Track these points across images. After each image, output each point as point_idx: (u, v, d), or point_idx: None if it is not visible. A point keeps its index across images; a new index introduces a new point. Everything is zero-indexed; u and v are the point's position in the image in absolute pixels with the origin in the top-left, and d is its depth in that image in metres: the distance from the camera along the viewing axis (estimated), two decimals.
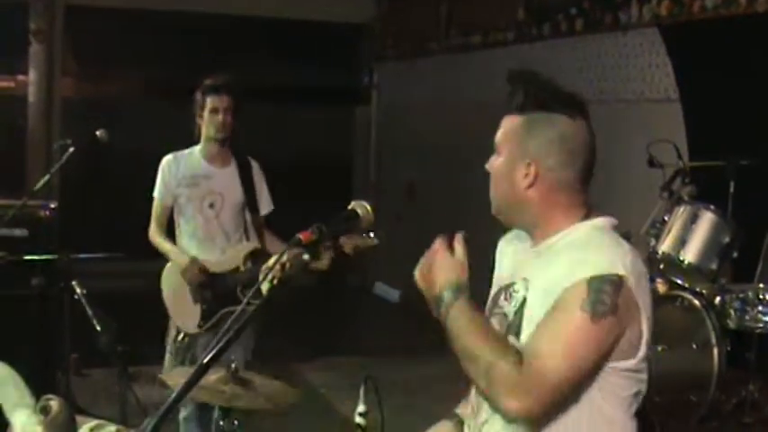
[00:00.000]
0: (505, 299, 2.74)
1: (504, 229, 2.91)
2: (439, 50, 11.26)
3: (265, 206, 5.67)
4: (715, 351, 5.33)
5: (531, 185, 2.63)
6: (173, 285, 5.61)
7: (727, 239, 5.65)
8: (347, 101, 12.96)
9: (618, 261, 2.51)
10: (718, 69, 6.80)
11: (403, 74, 12.34)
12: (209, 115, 5.50)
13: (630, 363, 2.58)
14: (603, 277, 2.47)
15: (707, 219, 5.66)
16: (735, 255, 5.73)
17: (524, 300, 2.64)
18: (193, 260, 5.47)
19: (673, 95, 7.36)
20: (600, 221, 2.67)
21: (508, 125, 2.72)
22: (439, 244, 2.76)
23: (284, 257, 2.55)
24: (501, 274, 2.88)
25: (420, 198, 11.36)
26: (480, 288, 2.87)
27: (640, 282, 2.55)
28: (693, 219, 5.69)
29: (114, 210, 10.77)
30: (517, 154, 2.66)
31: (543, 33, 9.19)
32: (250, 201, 5.61)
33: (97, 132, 5.69)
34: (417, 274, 2.76)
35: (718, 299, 5.59)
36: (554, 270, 2.56)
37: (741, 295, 5.54)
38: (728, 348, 5.38)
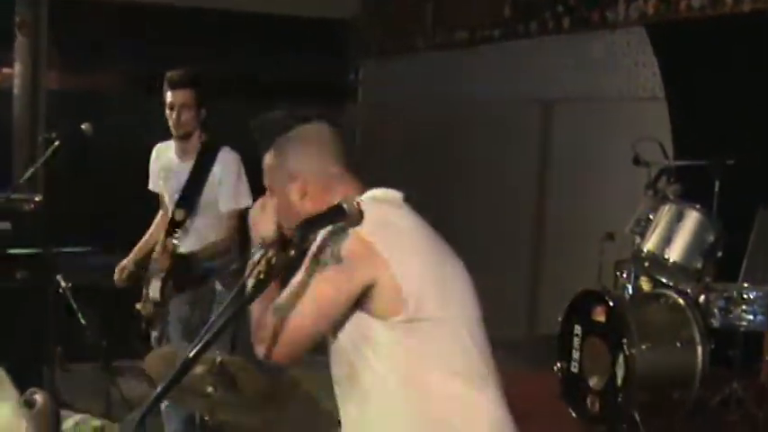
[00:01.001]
0: None
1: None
2: (425, 47, 11.24)
3: (226, 204, 5.44)
4: (699, 349, 5.35)
5: (304, 196, 2.84)
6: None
7: (711, 238, 5.66)
8: (333, 98, 12.94)
9: (365, 224, 2.66)
10: (705, 68, 6.82)
11: (389, 71, 12.32)
12: (168, 111, 5.42)
13: (399, 317, 2.67)
14: (332, 233, 2.66)
15: (692, 217, 5.68)
16: (719, 254, 5.74)
17: None
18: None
19: (659, 94, 7.38)
20: (371, 193, 2.89)
21: (264, 167, 2.95)
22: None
23: (269, 253, 2.55)
24: None
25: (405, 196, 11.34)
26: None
27: (385, 235, 2.70)
28: (678, 217, 5.70)
29: (99, 204, 10.74)
30: (284, 181, 2.87)
31: (530, 31, 9.18)
32: (185, 195, 5.44)
33: (82, 126, 5.67)
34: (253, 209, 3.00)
35: (702, 297, 5.60)
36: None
37: (725, 294, 5.56)
38: (712, 346, 5.39)
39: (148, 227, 5.80)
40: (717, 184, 5.82)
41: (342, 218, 2.60)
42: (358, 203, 2.64)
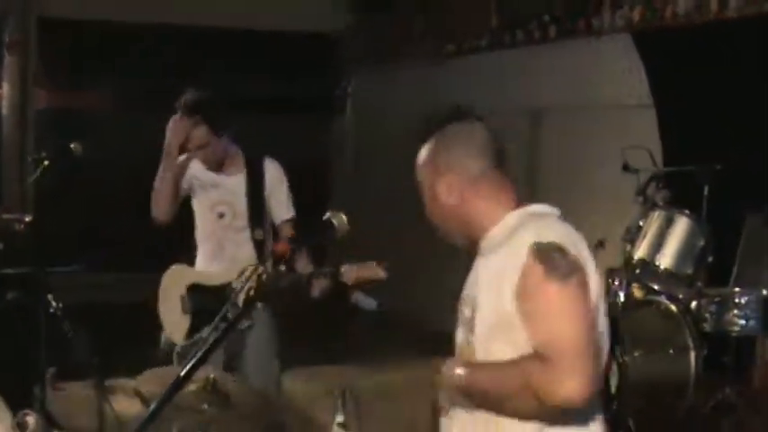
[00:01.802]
0: (464, 305, 2.87)
1: None
2: (414, 59, 11.26)
3: (282, 213, 5.32)
4: (692, 355, 5.35)
5: (451, 194, 2.84)
6: (166, 291, 5.44)
7: (702, 244, 5.67)
8: (322, 110, 12.95)
9: (549, 233, 2.63)
10: (691, 75, 6.83)
11: (378, 83, 12.34)
12: (194, 151, 5.24)
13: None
14: (543, 245, 2.58)
15: (682, 223, 5.69)
16: (710, 259, 5.75)
17: (476, 299, 2.77)
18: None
19: (646, 101, 7.38)
20: (529, 209, 2.80)
21: (417, 163, 3.02)
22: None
23: (260, 269, 2.55)
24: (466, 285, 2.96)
25: (395, 209, 11.35)
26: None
27: (578, 247, 2.65)
28: (668, 223, 5.71)
29: (90, 222, 10.73)
30: (434, 177, 2.90)
31: (517, 40, 9.22)
32: (255, 213, 5.30)
33: (71, 145, 5.65)
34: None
35: (694, 303, 5.61)
36: (496, 263, 2.70)
37: (717, 299, 5.56)
38: (705, 352, 5.39)
39: (139, 244, 5.75)
40: (705, 189, 5.83)
41: (332, 233, 2.60)
42: (344, 216, 2.64)
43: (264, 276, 2.47)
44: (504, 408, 2.63)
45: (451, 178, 2.84)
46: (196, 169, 5.38)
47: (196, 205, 5.48)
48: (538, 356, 2.52)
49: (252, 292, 2.46)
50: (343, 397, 3.38)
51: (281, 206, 5.31)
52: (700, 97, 6.71)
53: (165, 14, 11.38)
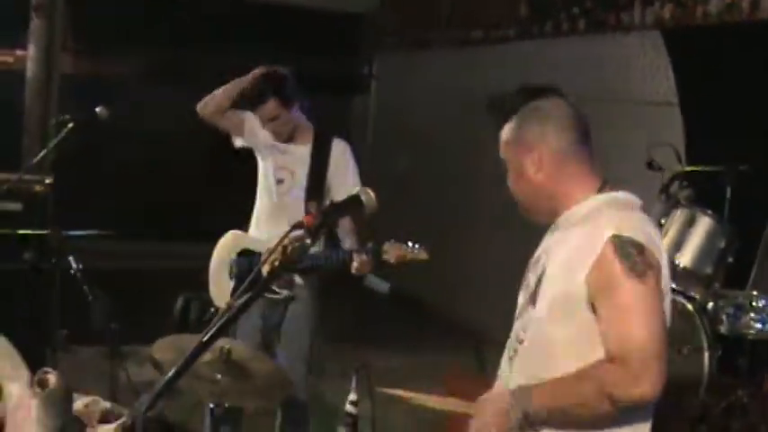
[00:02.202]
0: (530, 271, 2.91)
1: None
2: (439, 43, 11.24)
3: (342, 194, 5.08)
4: (706, 356, 5.33)
5: (539, 170, 2.85)
6: (218, 256, 5.44)
7: (722, 244, 5.64)
8: (345, 90, 12.94)
9: (630, 227, 2.68)
10: (719, 75, 6.79)
11: (402, 65, 12.32)
12: (264, 124, 5.33)
13: None
14: (623, 239, 2.63)
15: (704, 223, 5.66)
16: (730, 260, 5.73)
17: (544, 271, 2.81)
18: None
19: (672, 99, 7.35)
20: (613, 194, 2.85)
21: (502, 137, 2.98)
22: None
23: (286, 240, 2.54)
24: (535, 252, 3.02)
25: (413, 191, 11.34)
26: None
27: (655, 242, 2.71)
28: (690, 222, 5.68)
29: (110, 188, 10.75)
30: (520, 152, 2.90)
31: (545, 31, 9.17)
32: (313, 185, 5.35)
33: (97, 109, 5.65)
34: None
35: (711, 304, 5.58)
36: (571, 242, 2.75)
37: (734, 301, 5.53)
38: (720, 353, 5.37)
39: (161, 212, 5.78)
40: (729, 190, 5.80)
41: (359, 208, 2.60)
42: (373, 193, 2.64)
43: (290, 249, 2.47)
44: (568, 419, 2.68)
45: (540, 153, 2.86)
46: (265, 135, 5.44)
47: (260, 168, 5.53)
48: (609, 359, 2.59)
49: (276, 263, 2.45)
50: (358, 375, 3.37)
51: (342, 187, 5.29)
52: (726, 97, 6.66)
53: None
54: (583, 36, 8.61)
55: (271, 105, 5.22)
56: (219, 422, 5.42)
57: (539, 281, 2.81)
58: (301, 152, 5.37)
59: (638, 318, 2.59)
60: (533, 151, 2.86)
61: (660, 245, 2.75)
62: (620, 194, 2.87)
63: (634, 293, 2.60)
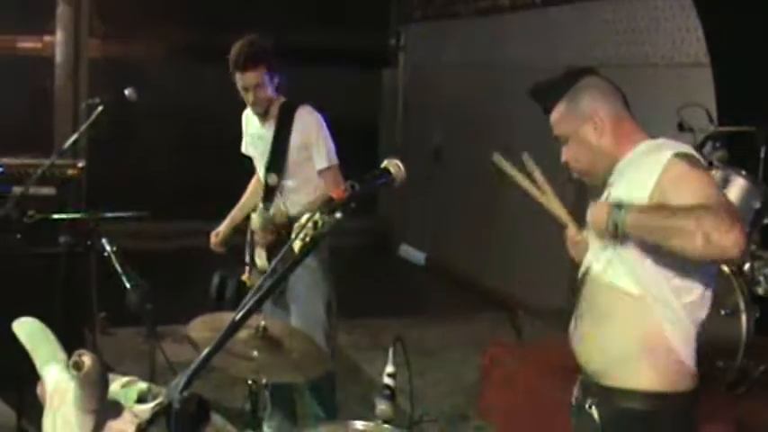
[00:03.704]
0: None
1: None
2: (467, 13, 11.20)
3: (318, 163, 5.40)
4: (743, 317, 5.27)
5: (602, 134, 3.16)
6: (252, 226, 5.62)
7: (758, 205, 5.58)
8: (374, 63, 12.93)
9: (686, 148, 3.01)
10: (749, 33, 6.72)
11: (430, 36, 12.29)
12: (242, 92, 5.42)
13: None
14: (682, 153, 2.96)
15: (738, 184, 5.60)
16: (765, 221, 5.68)
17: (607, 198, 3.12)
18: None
19: (703, 59, 7.29)
20: (663, 138, 3.15)
21: (555, 117, 3.27)
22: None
23: (316, 215, 2.54)
24: None
25: (446, 161, 11.33)
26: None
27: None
28: (724, 184, 5.62)
29: (142, 169, 10.82)
30: (578, 123, 3.19)
31: None
32: (273, 158, 5.47)
33: (126, 91, 5.66)
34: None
35: (747, 265, 5.54)
36: (632, 172, 3.06)
37: None
38: (757, 315, 5.32)
39: (192, 191, 5.87)
40: (763, 150, 5.75)
41: (388, 180, 2.60)
42: (401, 164, 2.64)
43: (321, 223, 2.46)
44: (657, 245, 2.89)
45: (600, 118, 3.16)
46: (250, 125, 5.67)
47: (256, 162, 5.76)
48: (701, 207, 2.77)
49: (307, 239, 2.45)
50: (395, 347, 3.38)
51: (316, 156, 5.41)
52: (758, 56, 6.59)
53: None
54: (610, 0, 8.55)
55: (255, 74, 5.30)
56: (271, 397, 5.48)
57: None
58: (267, 130, 5.52)
59: (714, 190, 2.89)
60: (592, 119, 3.16)
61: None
62: (668, 139, 3.15)
63: (706, 177, 2.94)
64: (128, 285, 4.06)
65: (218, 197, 6.26)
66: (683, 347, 3.07)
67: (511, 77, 9.54)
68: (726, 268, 5.52)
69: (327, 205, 2.47)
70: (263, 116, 5.50)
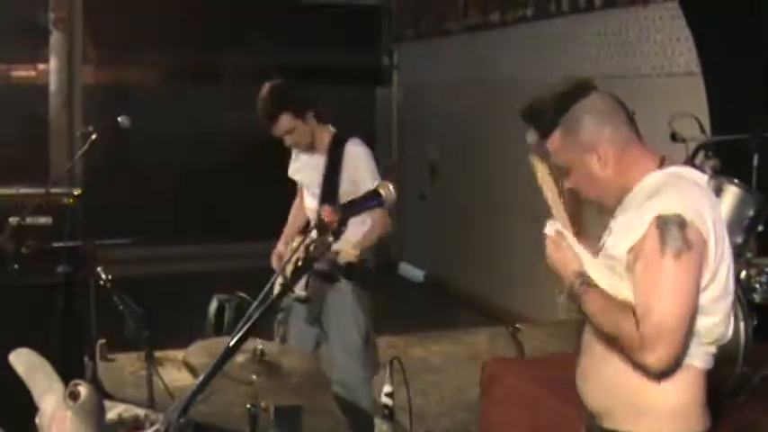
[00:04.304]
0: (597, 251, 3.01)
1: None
2: (458, 30, 11.24)
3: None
4: (742, 326, 5.27)
5: (606, 165, 2.94)
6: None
7: (751, 213, 5.59)
8: (368, 81, 12.97)
9: (676, 200, 2.75)
10: (739, 42, 6.74)
11: (423, 54, 12.33)
12: (283, 138, 5.39)
13: (706, 298, 2.82)
14: (666, 218, 2.71)
15: (731, 192, 5.61)
16: (760, 228, 5.68)
17: (604, 243, 2.97)
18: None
19: (694, 69, 7.32)
20: (672, 168, 2.93)
21: (553, 146, 3.06)
22: (555, 233, 3.02)
23: (308, 239, 2.56)
24: None
25: (442, 178, 11.36)
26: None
27: (704, 217, 2.77)
28: (717, 193, 5.61)
29: (138, 195, 10.82)
30: (579, 154, 2.97)
31: (562, 9, 9.15)
32: (326, 189, 5.39)
33: (119, 118, 5.69)
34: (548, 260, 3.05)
35: (743, 273, 5.55)
36: (629, 213, 2.86)
37: (767, 269, 5.51)
38: (755, 323, 5.32)
39: (189, 215, 5.87)
40: (755, 158, 5.76)
41: (378, 202, 2.61)
42: (392, 186, 2.65)
43: (312, 247, 2.48)
44: (594, 325, 2.89)
45: (603, 150, 2.93)
46: (299, 158, 5.61)
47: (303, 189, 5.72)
48: (635, 317, 2.71)
49: (299, 263, 2.47)
50: (392, 367, 3.39)
51: (361, 187, 5.17)
52: (748, 64, 6.62)
53: None
54: (601, 11, 8.58)
55: (284, 120, 5.25)
56: (278, 420, 5.48)
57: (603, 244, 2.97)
58: (317, 160, 5.45)
59: (664, 295, 2.69)
60: (596, 149, 2.93)
61: (711, 218, 2.81)
62: (679, 168, 2.95)
63: (665, 270, 2.70)
64: (124, 313, 4.07)
65: (215, 221, 6.28)
66: (689, 386, 2.94)
67: (504, 92, 9.58)
68: None
69: (318, 229, 2.48)
70: (310, 149, 5.48)
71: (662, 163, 2.95)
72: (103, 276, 4.20)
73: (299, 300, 5.35)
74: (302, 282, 5.36)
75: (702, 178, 2.95)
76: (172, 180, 11.18)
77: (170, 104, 11.40)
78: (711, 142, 5.94)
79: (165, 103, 11.45)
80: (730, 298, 2.90)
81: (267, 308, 2.34)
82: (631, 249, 2.78)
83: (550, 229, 3.02)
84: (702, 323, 2.83)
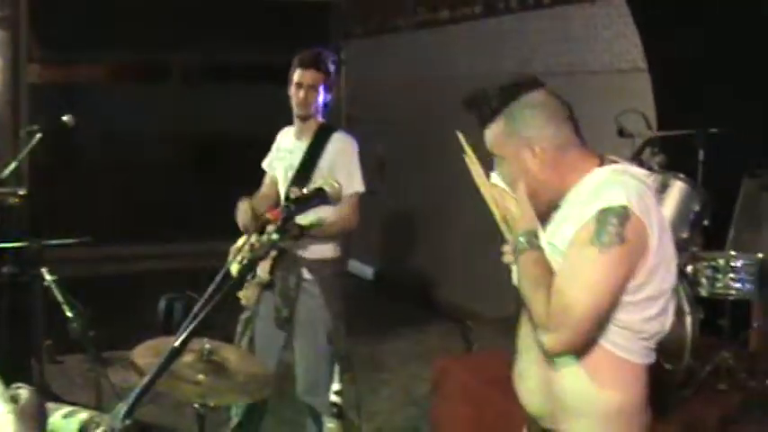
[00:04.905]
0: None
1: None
2: (406, 27, 11.24)
3: (346, 188, 5.16)
4: (688, 319, 5.31)
5: (543, 164, 2.85)
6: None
7: (697, 207, 5.64)
8: None
9: (622, 193, 2.70)
10: (686, 38, 6.79)
11: (371, 51, 12.32)
12: (294, 89, 5.43)
13: (641, 295, 2.75)
14: (609, 209, 2.67)
15: (677, 187, 5.65)
16: (705, 223, 5.73)
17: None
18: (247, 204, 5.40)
19: (641, 65, 7.37)
20: (617, 165, 2.88)
21: (491, 135, 2.95)
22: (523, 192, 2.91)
23: (253, 238, 2.55)
24: None
25: (390, 175, 11.35)
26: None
27: (649, 214, 2.72)
28: (663, 188, 5.67)
29: (84, 195, 10.72)
30: (516, 147, 2.88)
31: (511, 6, 9.17)
32: (300, 174, 5.40)
33: (64, 118, 5.64)
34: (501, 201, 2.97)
35: (689, 267, 5.59)
36: (574, 208, 2.81)
37: (713, 263, 5.55)
38: (701, 316, 5.37)
39: (137, 215, 5.81)
40: (701, 153, 5.81)
41: (324, 199, 2.61)
42: (338, 184, 2.65)
43: (257, 245, 2.47)
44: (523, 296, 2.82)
45: (542, 148, 2.86)
46: (284, 140, 5.64)
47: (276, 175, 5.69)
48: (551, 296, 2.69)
49: (244, 262, 2.46)
50: (341, 365, 3.37)
51: (345, 180, 5.20)
52: (694, 61, 6.67)
53: None
54: (549, 8, 8.62)
55: (316, 75, 5.39)
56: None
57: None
58: (301, 145, 5.47)
59: (580, 282, 2.67)
60: (535, 147, 2.86)
61: (654, 215, 2.77)
62: (624, 166, 2.90)
63: (588, 259, 2.67)
64: (69, 314, 4.03)
65: (162, 220, 6.23)
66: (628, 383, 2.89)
67: (453, 89, 9.54)
68: None
69: (263, 226, 2.47)
70: (299, 131, 5.50)
71: (602, 162, 2.90)
72: (48, 277, 4.16)
73: (262, 283, 5.32)
74: (266, 265, 5.34)
75: (646, 175, 2.90)
76: (120, 179, 11.09)
77: (117, 103, 11.31)
78: (658, 138, 5.99)
79: (113, 101, 11.36)
80: (668, 295, 2.83)
81: (212, 307, 2.33)
82: (571, 241, 2.74)
83: (496, 179, 2.98)
84: (636, 318, 2.77)
